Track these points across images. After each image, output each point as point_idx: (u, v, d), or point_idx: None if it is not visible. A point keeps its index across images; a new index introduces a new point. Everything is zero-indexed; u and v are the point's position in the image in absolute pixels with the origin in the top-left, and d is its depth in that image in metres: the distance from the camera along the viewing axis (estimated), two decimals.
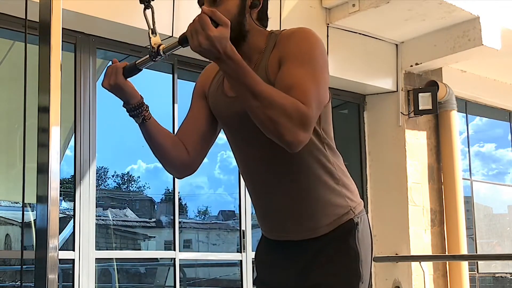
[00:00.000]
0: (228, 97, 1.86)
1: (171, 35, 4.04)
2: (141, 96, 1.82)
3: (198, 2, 1.85)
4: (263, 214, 1.96)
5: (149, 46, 1.70)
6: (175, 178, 4.39)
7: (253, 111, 1.63)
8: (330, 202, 1.86)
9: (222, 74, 1.90)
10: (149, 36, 1.70)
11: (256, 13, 1.86)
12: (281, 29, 1.88)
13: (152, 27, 1.72)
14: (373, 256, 1.95)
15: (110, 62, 1.81)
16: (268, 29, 1.91)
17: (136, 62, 1.74)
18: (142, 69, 1.75)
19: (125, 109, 1.84)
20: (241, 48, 1.80)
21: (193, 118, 1.97)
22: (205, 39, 1.51)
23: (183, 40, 1.57)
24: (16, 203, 4.91)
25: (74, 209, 3.95)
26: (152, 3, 1.75)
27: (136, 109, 1.80)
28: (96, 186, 4.12)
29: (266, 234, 1.98)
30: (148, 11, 1.74)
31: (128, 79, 1.79)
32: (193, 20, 1.54)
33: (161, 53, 1.67)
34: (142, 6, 1.75)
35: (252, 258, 4.76)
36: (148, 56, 1.70)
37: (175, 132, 1.97)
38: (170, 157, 1.91)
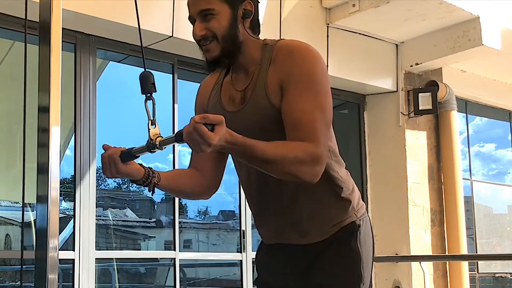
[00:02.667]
0: (228, 111, 1.86)
1: (171, 35, 4.04)
2: (145, 169, 1.80)
3: (189, 19, 1.84)
4: (264, 224, 1.97)
5: (148, 139, 1.72)
6: None
7: (272, 172, 1.69)
8: (335, 209, 1.87)
9: (218, 88, 1.92)
10: (148, 127, 1.73)
11: (249, 22, 1.84)
12: (276, 40, 1.87)
13: (152, 118, 1.75)
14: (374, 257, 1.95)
15: (102, 150, 1.79)
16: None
17: (133, 151, 1.75)
18: (139, 156, 1.77)
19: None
20: (237, 60, 1.83)
21: None
22: (208, 146, 1.53)
23: (179, 138, 1.59)
24: (16, 203, 4.90)
25: (74, 209, 3.95)
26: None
27: (144, 182, 1.80)
28: (96, 186, 4.11)
29: (266, 241, 1.99)
30: (149, 102, 1.78)
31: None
32: (189, 128, 1.52)
33: (158, 145, 1.70)
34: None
35: (253, 258, 4.78)
36: (145, 146, 1.73)
37: (189, 163, 2.00)
38: (192, 194, 2.01)
